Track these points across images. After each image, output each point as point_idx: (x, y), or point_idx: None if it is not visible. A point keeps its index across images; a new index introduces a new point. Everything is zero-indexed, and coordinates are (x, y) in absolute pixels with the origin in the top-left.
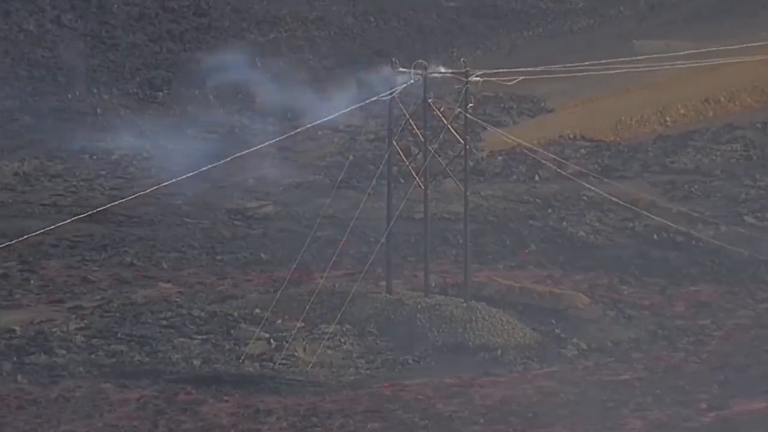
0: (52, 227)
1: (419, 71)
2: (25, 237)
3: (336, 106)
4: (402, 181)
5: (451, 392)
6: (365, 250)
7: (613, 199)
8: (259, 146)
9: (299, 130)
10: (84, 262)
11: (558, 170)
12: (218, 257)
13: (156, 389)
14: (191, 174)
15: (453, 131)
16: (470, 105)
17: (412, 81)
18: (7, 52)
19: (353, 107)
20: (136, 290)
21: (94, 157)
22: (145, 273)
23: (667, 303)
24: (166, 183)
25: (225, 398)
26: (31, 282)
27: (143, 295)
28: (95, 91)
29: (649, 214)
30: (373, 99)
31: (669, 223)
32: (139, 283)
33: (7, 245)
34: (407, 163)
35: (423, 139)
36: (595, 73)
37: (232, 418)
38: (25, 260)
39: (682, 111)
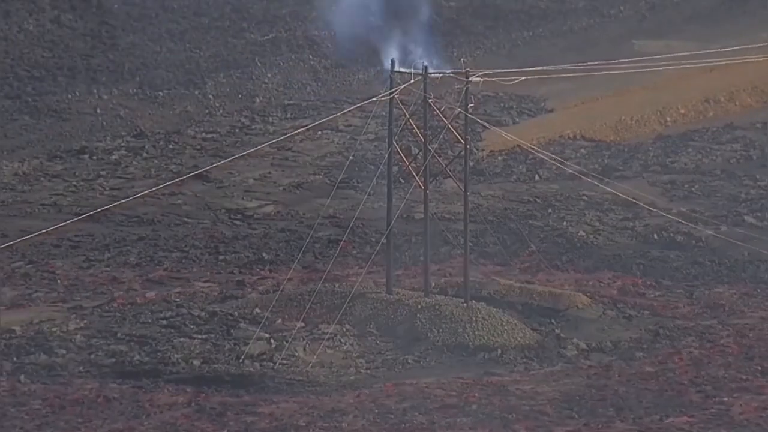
0: (53, 227)
1: (419, 71)
2: (27, 237)
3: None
4: (402, 181)
5: (482, 390)
6: (367, 250)
7: (619, 194)
8: (259, 146)
9: (299, 130)
10: (90, 261)
11: (561, 167)
12: (221, 257)
13: (195, 390)
14: (191, 174)
15: (453, 131)
16: (471, 105)
17: (411, 81)
18: (7, 52)
19: (353, 107)
20: (170, 290)
21: (94, 157)
22: (178, 274)
23: (671, 304)
24: (167, 183)
25: (275, 400)
26: (58, 281)
27: (176, 292)
28: (95, 91)
29: (652, 208)
30: (372, 99)
31: (672, 217)
32: (173, 283)
33: (10, 244)
34: (407, 163)
35: (423, 139)
36: (595, 73)
37: (307, 417)
38: (31, 260)
39: (682, 111)
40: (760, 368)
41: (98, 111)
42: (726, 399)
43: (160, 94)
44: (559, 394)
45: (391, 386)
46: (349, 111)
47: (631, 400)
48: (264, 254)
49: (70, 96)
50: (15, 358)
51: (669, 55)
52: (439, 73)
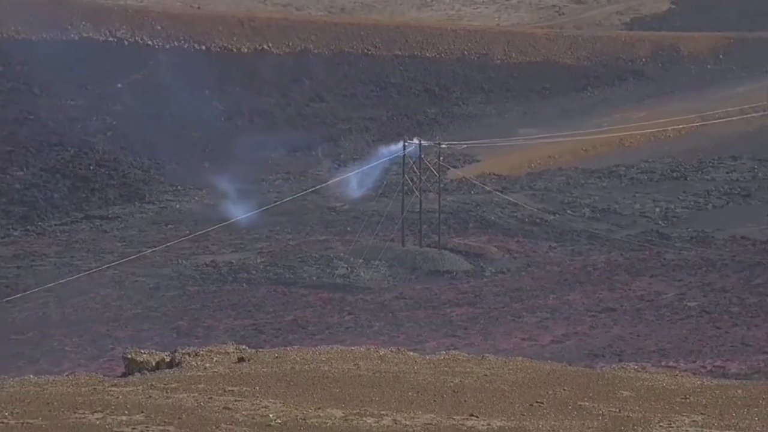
0: (241, 217)
1: (418, 142)
2: (227, 221)
3: (378, 159)
4: (409, 193)
5: (448, 286)
6: (394, 226)
7: (510, 199)
8: (343, 177)
9: (362, 169)
10: (270, 230)
11: (483, 187)
12: (329, 229)
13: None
14: (310, 190)
15: (433, 170)
16: (441, 158)
17: (415, 146)
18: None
19: (385, 159)
20: (303, 243)
21: (266, 182)
22: (307, 237)
23: (536, 251)
24: (297, 195)
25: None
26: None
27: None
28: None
29: (525, 206)
30: (395, 155)
31: (535, 210)
32: (306, 240)
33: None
34: (412, 185)
35: (419, 174)
36: (500, 144)
37: (368, 303)
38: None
39: (538, 161)
40: (577, 280)
41: (269, 162)
42: (569, 295)
43: (297, 153)
44: (484, 289)
45: (404, 289)
46: (384, 161)
47: (524, 290)
48: (348, 228)
49: (255, 153)
50: (232, 276)
51: (535, 136)
52: (427, 142)
